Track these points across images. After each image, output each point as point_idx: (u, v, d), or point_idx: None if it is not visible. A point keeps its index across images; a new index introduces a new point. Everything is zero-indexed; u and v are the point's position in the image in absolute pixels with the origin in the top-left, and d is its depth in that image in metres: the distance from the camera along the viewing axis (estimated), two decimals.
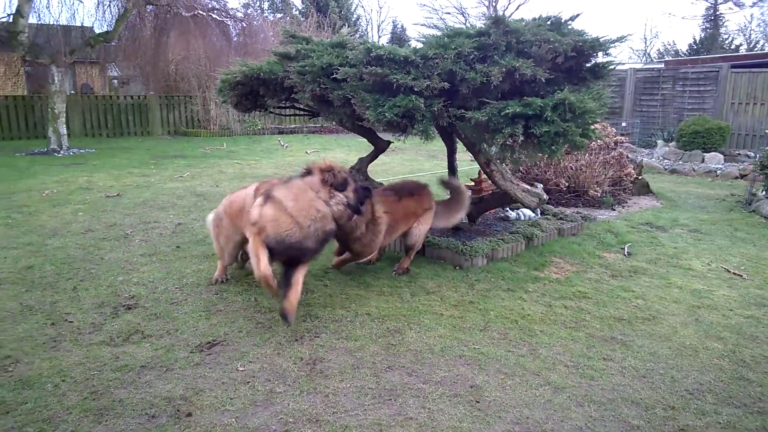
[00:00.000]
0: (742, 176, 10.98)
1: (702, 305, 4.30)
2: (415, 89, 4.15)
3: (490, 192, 6.10)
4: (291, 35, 5.71)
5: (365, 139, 6.33)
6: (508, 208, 6.39)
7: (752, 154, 12.97)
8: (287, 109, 6.78)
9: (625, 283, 4.75)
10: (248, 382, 3.08)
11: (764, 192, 8.10)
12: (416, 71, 4.21)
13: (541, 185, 6.07)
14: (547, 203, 6.62)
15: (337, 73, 4.52)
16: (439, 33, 4.62)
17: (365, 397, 2.95)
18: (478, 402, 2.93)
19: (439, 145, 6.02)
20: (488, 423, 2.75)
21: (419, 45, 4.69)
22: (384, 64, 4.35)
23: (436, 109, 4.22)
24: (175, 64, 18.87)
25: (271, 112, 6.81)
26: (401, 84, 4.23)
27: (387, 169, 10.76)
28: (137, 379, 3.07)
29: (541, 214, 6.46)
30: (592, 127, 4.61)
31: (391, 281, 4.61)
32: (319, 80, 4.75)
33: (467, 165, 9.38)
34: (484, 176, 6.51)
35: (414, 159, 13.10)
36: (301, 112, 6.75)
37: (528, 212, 6.35)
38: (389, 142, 6.13)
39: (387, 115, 4.20)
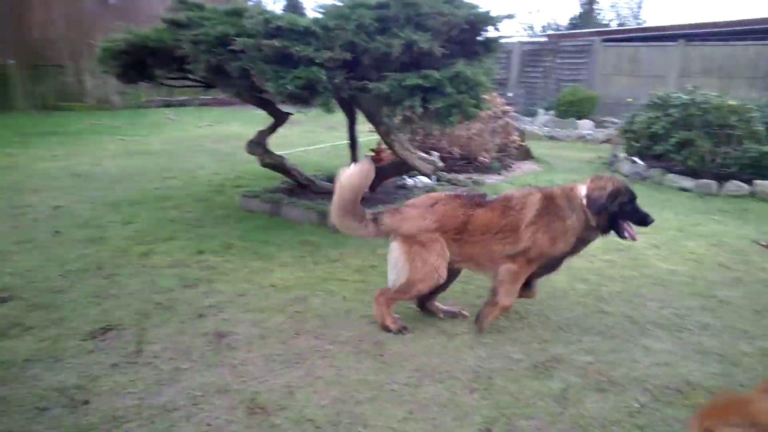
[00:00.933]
0: (607, 141, 12.26)
1: None
2: (317, 61, 4.24)
3: (389, 161, 6.40)
4: (181, 1, 5.50)
5: (263, 112, 6.34)
6: (405, 176, 6.75)
7: (616, 121, 14.44)
8: (178, 81, 6.56)
9: None
10: (150, 363, 3.04)
11: (625, 154, 9.16)
12: (317, 42, 4.30)
13: (437, 153, 6.46)
14: (442, 170, 7.06)
15: (234, 44, 4.46)
16: (339, 3, 4.70)
17: (274, 363, 3.07)
18: (381, 355, 3.22)
19: (337, 117, 6.20)
20: (391, 373, 3.04)
21: (318, 15, 4.74)
22: (284, 36, 4.35)
23: (338, 80, 4.35)
24: (40, 28, 17.04)
25: (162, 84, 6.56)
26: (302, 56, 4.27)
27: (287, 142, 10.74)
28: (21, 373, 2.92)
29: (436, 180, 6.89)
30: (484, 97, 5.01)
31: (294, 252, 4.78)
32: (215, 51, 4.63)
33: (365, 136, 9.64)
34: (383, 146, 6.82)
35: (312, 131, 13.15)
36: (195, 84, 6.57)
37: (425, 179, 6.76)
38: (289, 114, 6.19)
39: (288, 87, 4.25)
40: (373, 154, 6.95)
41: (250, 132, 6.14)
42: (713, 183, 7.31)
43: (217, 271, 4.36)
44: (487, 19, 5.17)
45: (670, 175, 7.80)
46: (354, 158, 5.95)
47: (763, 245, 5.19)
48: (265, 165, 6.06)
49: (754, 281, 4.37)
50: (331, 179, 6.73)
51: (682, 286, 4.25)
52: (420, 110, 4.65)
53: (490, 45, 5.45)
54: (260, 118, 6.88)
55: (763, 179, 7.20)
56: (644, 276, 4.44)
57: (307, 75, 4.25)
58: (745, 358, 3.21)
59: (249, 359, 3.11)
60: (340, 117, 6.28)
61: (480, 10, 5.17)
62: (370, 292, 4.01)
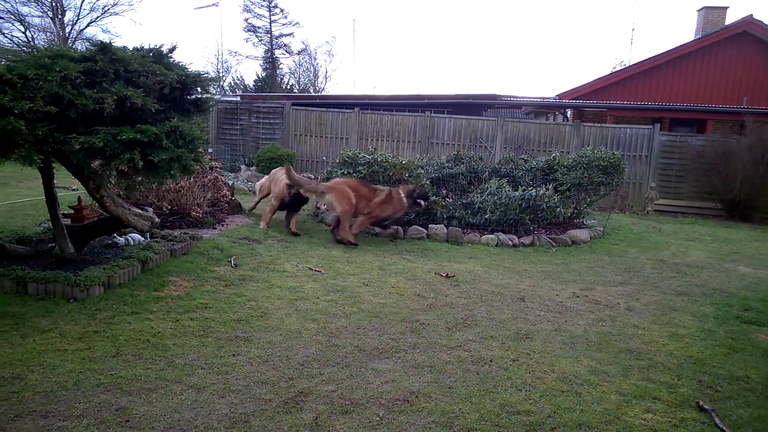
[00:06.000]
0: None
1: (298, 297, 5.32)
2: (15, 111, 3.77)
3: (96, 218, 5.85)
4: None
5: None
6: (115, 234, 6.22)
7: (313, 176, 15.93)
8: None
9: (237, 290, 5.40)
10: None
11: (325, 206, 10.22)
12: (14, 91, 3.83)
13: (151, 209, 6.17)
14: (156, 226, 6.73)
15: None
16: (36, 53, 4.31)
17: None
18: (128, 421, 3.00)
19: (9, 170, 5.38)
20: None
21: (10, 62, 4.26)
22: None
23: (40, 132, 3.93)
24: None
25: None
26: None
27: None
28: None
29: (150, 237, 6.54)
30: (199, 153, 5.13)
31: None
32: None
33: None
34: (85, 203, 6.19)
35: None
36: None
37: (137, 236, 6.34)
38: None
39: None
40: (72, 212, 6.21)
41: None
42: (399, 228, 8.77)
43: None
44: (197, 81, 5.40)
45: None
46: (54, 215, 5.25)
47: (443, 275, 6.50)
48: None
49: (442, 305, 5.45)
50: (22, 240, 5.79)
51: (391, 315, 5.04)
52: (140, 164, 4.53)
53: (201, 104, 5.67)
54: None
55: (434, 224, 8.96)
56: (362, 310, 5.10)
57: (2, 125, 3.74)
58: (447, 366, 4.02)
59: None
60: (11, 170, 5.51)
61: (190, 71, 5.38)
62: (98, 360, 3.67)
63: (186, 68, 5.33)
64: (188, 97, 5.56)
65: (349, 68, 65.32)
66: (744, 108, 16.08)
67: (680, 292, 6.49)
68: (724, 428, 3.34)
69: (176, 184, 8.34)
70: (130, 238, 6.33)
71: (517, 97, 20.36)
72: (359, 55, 59.23)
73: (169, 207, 8.21)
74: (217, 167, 9.94)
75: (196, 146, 5.22)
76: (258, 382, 3.58)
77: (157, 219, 5.80)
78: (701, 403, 3.62)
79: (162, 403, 3.21)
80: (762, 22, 17.52)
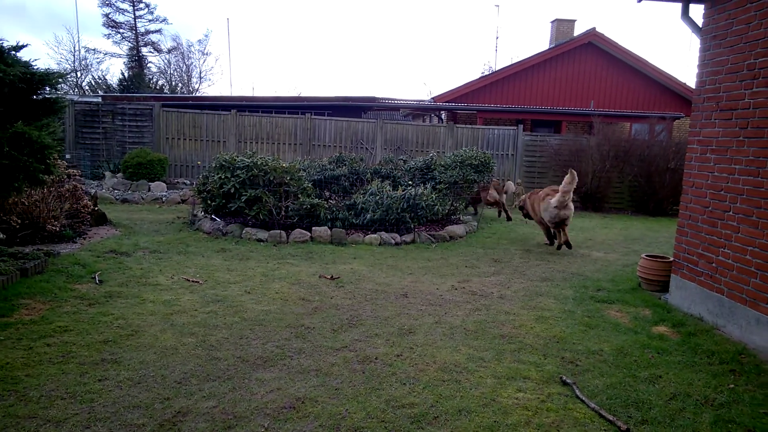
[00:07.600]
0: (183, 201, 12.73)
1: (173, 311, 5.00)
2: None
3: None
4: None
5: None
6: None
7: (188, 182, 15.14)
8: None
9: (103, 309, 4.95)
10: None
11: (203, 212, 9.75)
12: None
13: None
14: (2, 243, 5.99)
15: None
16: None
17: None
18: None
19: None
20: None
21: None
22: None
23: None
24: None
25: None
26: None
27: None
28: None
29: None
30: (52, 161, 4.64)
31: None
32: None
33: None
34: None
35: None
36: None
37: None
38: None
39: None
40: None
41: None
42: (282, 233, 8.57)
43: None
44: (45, 79, 4.89)
45: (247, 229, 8.74)
46: None
47: (327, 277, 6.45)
48: None
49: (328, 307, 5.40)
50: None
51: (275, 322, 4.90)
52: None
53: (51, 105, 5.14)
54: None
55: (317, 226, 8.88)
56: (244, 320, 4.90)
57: None
58: (334, 368, 3.98)
59: None
60: None
61: (37, 69, 4.86)
62: None
63: (31, 65, 4.81)
64: (35, 97, 5.02)
65: (226, 68, 63.02)
66: (591, 110, 17.91)
67: (544, 278, 7.05)
68: (583, 398, 3.66)
69: (28, 196, 7.50)
70: None
71: (395, 100, 20.85)
72: (236, 56, 57.30)
73: (19, 221, 7.34)
74: (75, 175, 9.09)
75: (47, 155, 4.72)
76: (129, 406, 3.30)
77: (1, 235, 5.15)
78: (564, 377, 3.94)
79: None
80: (603, 35, 19.59)
